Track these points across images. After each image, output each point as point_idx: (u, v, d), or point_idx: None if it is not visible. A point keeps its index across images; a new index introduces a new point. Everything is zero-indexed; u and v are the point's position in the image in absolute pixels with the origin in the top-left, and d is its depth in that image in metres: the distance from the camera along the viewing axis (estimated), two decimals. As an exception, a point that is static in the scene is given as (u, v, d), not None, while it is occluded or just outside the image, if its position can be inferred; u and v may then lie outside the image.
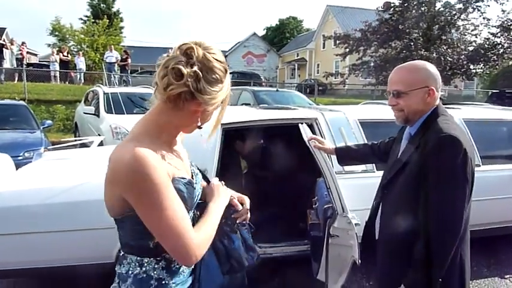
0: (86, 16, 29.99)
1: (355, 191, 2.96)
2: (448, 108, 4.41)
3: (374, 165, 3.34)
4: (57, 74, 18.68)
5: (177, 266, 1.31)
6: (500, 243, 4.16)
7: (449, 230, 1.72)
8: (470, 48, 21.12)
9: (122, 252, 1.32)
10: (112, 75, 16.51)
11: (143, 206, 1.16)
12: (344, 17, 34.43)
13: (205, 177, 1.55)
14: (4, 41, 17.39)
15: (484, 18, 20.82)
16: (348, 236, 2.61)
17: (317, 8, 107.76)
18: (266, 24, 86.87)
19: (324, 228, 2.75)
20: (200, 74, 1.18)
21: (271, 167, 4.24)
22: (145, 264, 1.27)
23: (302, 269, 3.30)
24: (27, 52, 21.43)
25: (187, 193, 1.27)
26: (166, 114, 1.24)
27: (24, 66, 17.60)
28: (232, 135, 3.85)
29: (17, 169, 3.94)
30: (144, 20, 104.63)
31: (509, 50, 20.29)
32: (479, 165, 3.66)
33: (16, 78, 16.56)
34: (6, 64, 16.47)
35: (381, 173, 2.20)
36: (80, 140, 6.53)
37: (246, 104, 9.57)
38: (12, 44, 17.48)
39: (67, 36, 26.13)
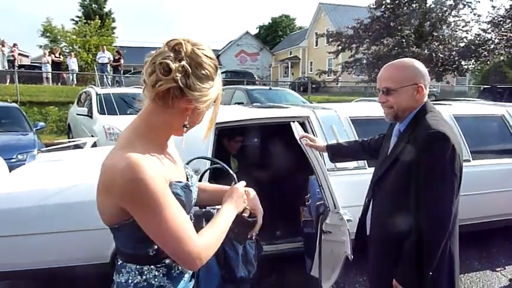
0: (78, 17, 29.58)
1: (348, 187, 3.00)
2: (439, 104, 4.48)
3: (366, 162, 3.38)
4: (50, 75, 18.51)
5: (178, 272, 1.28)
6: (492, 237, 4.20)
7: (439, 225, 1.76)
8: (462, 44, 21.29)
9: (120, 261, 1.27)
10: (105, 76, 16.36)
11: (142, 214, 1.12)
12: (336, 15, 34.58)
13: (231, 178, 1.53)
14: (-5, 43, 17.26)
15: (474, 14, 21.13)
16: (340, 232, 2.64)
17: (309, 6, 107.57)
18: (259, 22, 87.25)
19: (317, 224, 2.77)
20: (189, 69, 1.14)
21: (264, 165, 4.26)
22: (146, 272, 1.23)
23: (296, 266, 3.33)
24: (19, 54, 21.17)
25: (185, 197, 1.23)
26: (156, 113, 1.19)
27: (16, 68, 17.40)
28: (225, 134, 3.86)
29: (10, 171, 3.93)
30: (136, 20, 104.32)
31: (499, 45, 20.47)
32: (469, 160, 3.71)
33: (8, 80, 16.42)
34: (-2, 66, 16.37)
35: (372, 169, 2.23)
36: (74, 141, 6.51)
37: (240, 103, 9.55)
38: (3, 45, 17.25)
39: (59, 37, 25.84)
